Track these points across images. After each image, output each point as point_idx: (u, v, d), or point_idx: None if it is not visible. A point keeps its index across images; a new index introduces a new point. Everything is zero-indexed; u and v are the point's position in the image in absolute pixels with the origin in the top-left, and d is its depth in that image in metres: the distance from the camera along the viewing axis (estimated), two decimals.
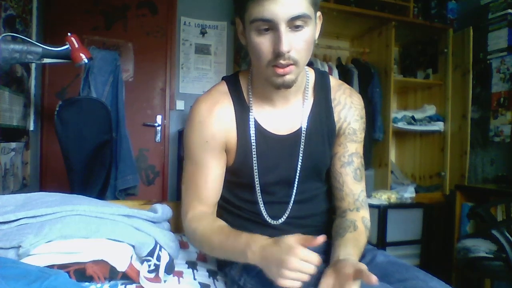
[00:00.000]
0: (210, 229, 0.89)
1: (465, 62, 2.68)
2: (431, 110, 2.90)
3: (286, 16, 0.75)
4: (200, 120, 0.92)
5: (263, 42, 0.79)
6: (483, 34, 2.63)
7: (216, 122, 0.92)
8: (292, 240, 0.73)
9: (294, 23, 0.77)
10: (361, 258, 0.87)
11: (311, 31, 0.81)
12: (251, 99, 0.94)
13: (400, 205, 2.39)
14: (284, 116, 0.95)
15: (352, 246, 0.83)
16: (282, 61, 0.79)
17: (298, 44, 0.79)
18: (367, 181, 1.03)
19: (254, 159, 0.93)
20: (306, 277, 0.70)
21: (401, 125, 2.81)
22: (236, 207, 1.00)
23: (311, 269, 0.70)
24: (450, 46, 2.80)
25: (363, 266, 0.69)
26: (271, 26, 0.77)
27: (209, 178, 0.94)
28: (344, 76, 2.73)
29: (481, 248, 1.75)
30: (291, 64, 0.80)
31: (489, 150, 2.58)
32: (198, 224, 0.91)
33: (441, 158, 2.84)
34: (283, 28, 0.76)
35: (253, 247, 0.77)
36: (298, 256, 0.70)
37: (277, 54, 0.78)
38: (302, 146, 0.94)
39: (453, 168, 2.76)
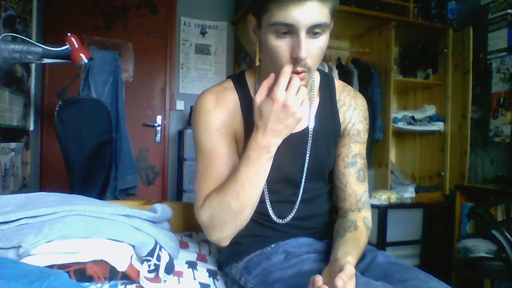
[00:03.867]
0: (220, 188, 0.83)
1: (465, 62, 2.68)
2: (431, 110, 2.90)
3: (308, 23, 0.75)
4: (208, 109, 0.91)
5: (281, 46, 0.79)
6: (483, 34, 2.63)
7: (224, 111, 0.91)
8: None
9: (314, 30, 0.77)
10: (362, 259, 0.87)
11: (326, 38, 0.81)
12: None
13: (400, 205, 2.39)
14: None
15: (351, 245, 0.83)
16: (298, 68, 0.79)
17: (314, 51, 0.79)
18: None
19: None
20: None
21: (401, 125, 2.81)
22: None
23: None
24: (450, 46, 2.80)
25: (340, 282, 0.64)
26: (290, 31, 0.77)
27: (225, 167, 0.88)
28: (344, 76, 2.73)
29: (481, 248, 1.75)
30: (305, 71, 0.81)
31: (489, 150, 2.58)
32: (209, 199, 0.85)
33: (441, 158, 2.84)
34: (303, 34, 0.76)
35: (253, 143, 0.80)
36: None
37: (295, 60, 0.78)
38: (309, 146, 0.94)
39: (453, 168, 2.76)
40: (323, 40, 0.80)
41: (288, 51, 0.79)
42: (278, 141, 0.80)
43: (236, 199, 0.81)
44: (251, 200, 0.83)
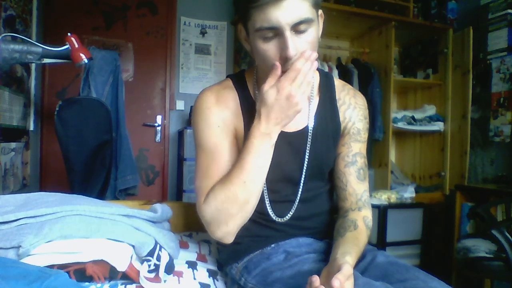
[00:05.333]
0: (226, 179, 0.83)
1: (465, 62, 2.68)
2: (431, 110, 2.90)
3: (291, 22, 0.75)
4: (208, 106, 0.91)
5: (270, 49, 0.79)
6: (483, 34, 2.63)
7: (224, 109, 0.92)
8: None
9: (298, 27, 0.77)
10: (362, 259, 0.87)
11: (315, 32, 0.81)
12: (257, 96, 0.94)
13: (400, 205, 2.39)
14: None
15: (351, 244, 0.83)
16: (289, 67, 0.79)
17: (303, 47, 0.79)
18: None
19: None
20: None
21: (401, 125, 2.81)
22: None
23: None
24: (450, 46, 2.80)
25: (337, 282, 0.64)
26: (275, 33, 0.77)
27: (227, 164, 0.87)
28: (344, 76, 2.73)
29: (481, 248, 1.75)
30: None
31: (489, 150, 2.58)
32: (214, 192, 0.84)
33: (441, 158, 2.84)
34: (288, 33, 0.76)
35: (255, 131, 0.81)
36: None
37: (285, 60, 0.78)
38: (308, 145, 0.94)
39: (453, 168, 2.76)
40: (311, 33, 0.79)
41: (278, 53, 0.79)
42: (279, 128, 0.82)
43: (243, 188, 0.82)
44: (256, 189, 0.84)
